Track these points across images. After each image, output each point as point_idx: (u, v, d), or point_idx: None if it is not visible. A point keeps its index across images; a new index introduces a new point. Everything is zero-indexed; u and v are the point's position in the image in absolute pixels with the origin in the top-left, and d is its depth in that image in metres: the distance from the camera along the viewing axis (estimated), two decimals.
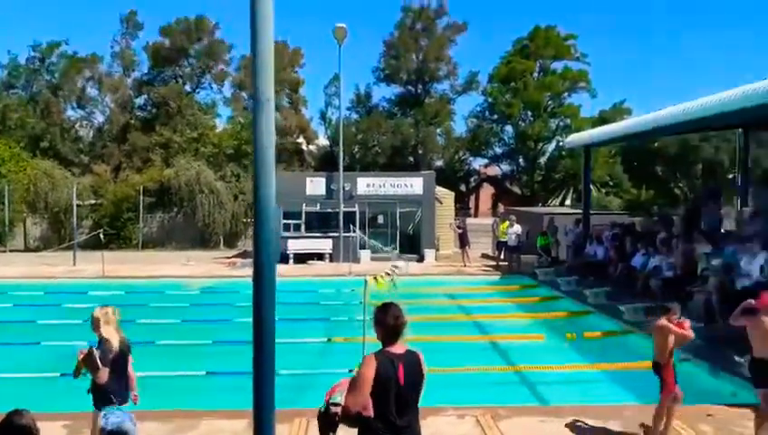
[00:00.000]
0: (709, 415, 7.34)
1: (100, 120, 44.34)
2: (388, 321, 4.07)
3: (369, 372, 3.91)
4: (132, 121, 42.92)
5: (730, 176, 39.01)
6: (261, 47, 3.37)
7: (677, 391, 6.76)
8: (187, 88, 44.95)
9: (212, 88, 46.16)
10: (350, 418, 3.95)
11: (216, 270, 21.42)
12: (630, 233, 17.42)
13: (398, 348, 4.07)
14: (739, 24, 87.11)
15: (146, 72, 44.72)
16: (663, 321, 6.81)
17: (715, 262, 11.63)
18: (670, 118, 14.41)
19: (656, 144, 44.19)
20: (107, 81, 42.96)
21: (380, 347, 4.09)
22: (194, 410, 7.58)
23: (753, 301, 6.98)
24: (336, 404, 4.01)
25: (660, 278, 13.68)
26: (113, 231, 30.44)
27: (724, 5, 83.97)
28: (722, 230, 15.65)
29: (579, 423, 7.17)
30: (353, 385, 3.97)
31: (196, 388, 9.04)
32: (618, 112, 47.65)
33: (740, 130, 19.77)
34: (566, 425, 7.12)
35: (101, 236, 21.98)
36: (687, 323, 6.93)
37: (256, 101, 3.39)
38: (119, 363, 5.42)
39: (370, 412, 3.92)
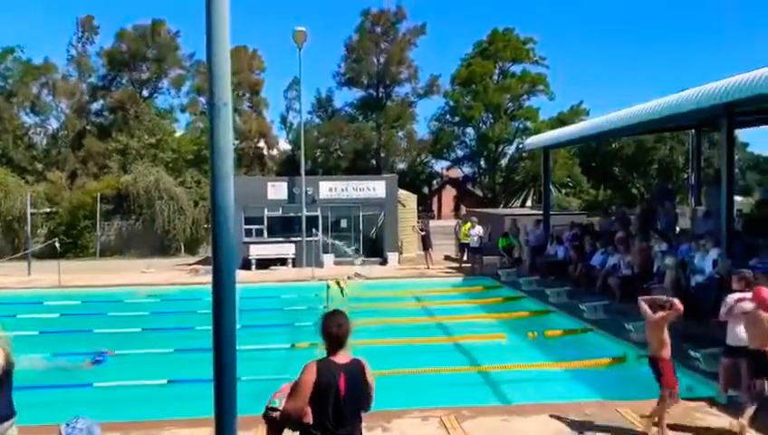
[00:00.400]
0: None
1: (54, 126, 43.35)
2: (330, 329, 4.04)
3: (309, 378, 3.91)
4: (88, 127, 42.03)
5: (685, 176, 40.11)
6: (217, 50, 3.34)
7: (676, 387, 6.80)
8: (145, 93, 44.22)
9: (170, 93, 45.52)
10: (290, 422, 3.96)
11: (177, 277, 21.08)
12: (589, 233, 17.75)
13: (342, 357, 4.04)
14: (694, 27, 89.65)
15: (102, 76, 43.83)
16: (658, 315, 6.90)
17: (670, 260, 11.92)
18: (626, 119, 14.73)
19: (613, 145, 45.19)
20: (62, 86, 41.99)
21: (325, 355, 4.07)
22: (155, 420, 7.44)
23: (735, 296, 7.42)
24: (275, 409, 4.00)
25: (618, 277, 13.98)
26: (69, 240, 29.74)
27: (679, 10, 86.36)
28: (677, 228, 16.05)
29: (541, 421, 7.26)
30: (293, 391, 3.97)
31: (158, 397, 8.88)
32: (575, 114, 48.58)
33: (693, 131, 20.31)
34: (528, 423, 7.21)
35: (57, 245, 21.39)
36: (675, 299, 7.03)
37: (213, 106, 3.35)
38: (2, 382, 5.00)
39: (310, 419, 3.92)
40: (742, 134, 44.38)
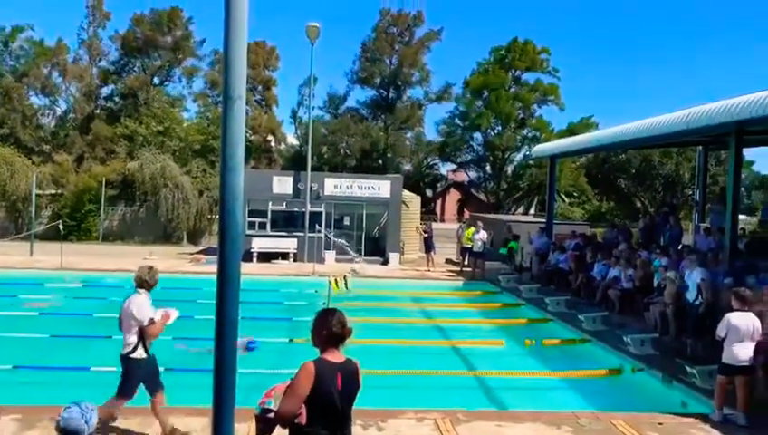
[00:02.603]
0: (660, 424, 7.53)
1: (63, 108, 43.36)
2: (333, 328, 3.93)
3: (307, 380, 3.81)
4: (97, 111, 42.05)
5: (689, 192, 40.02)
6: (234, 44, 3.36)
7: None
8: (156, 81, 44.21)
9: (181, 82, 45.46)
10: (284, 424, 3.88)
11: (179, 266, 21.13)
12: (591, 243, 17.75)
13: (337, 357, 3.95)
14: (706, 45, 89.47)
15: (113, 61, 43.82)
16: None
17: (672, 273, 11.91)
18: (635, 132, 14.73)
19: (621, 157, 45.12)
20: (72, 68, 41.94)
21: (318, 354, 3.96)
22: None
23: (734, 314, 7.32)
24: (269, 410, 3.92)
25: (619, 289, 13.99)
26: (73, 223, 29.86)
27: (693, 26, 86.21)
28: (680, 244, 16.04)
29: (535, 428, 7.28)
30: (289, 392, 3.87)
31: None
32: (585, 126, 48.41)
33: (700, 147, 20.30)
34: (523, 430, 7.22)
35: (61, 227, 21.47)
36: None
37: (227, 98, 3.37)
38: None
39: (304, 419, 3.84)
40: (748, 153, 44.27)
